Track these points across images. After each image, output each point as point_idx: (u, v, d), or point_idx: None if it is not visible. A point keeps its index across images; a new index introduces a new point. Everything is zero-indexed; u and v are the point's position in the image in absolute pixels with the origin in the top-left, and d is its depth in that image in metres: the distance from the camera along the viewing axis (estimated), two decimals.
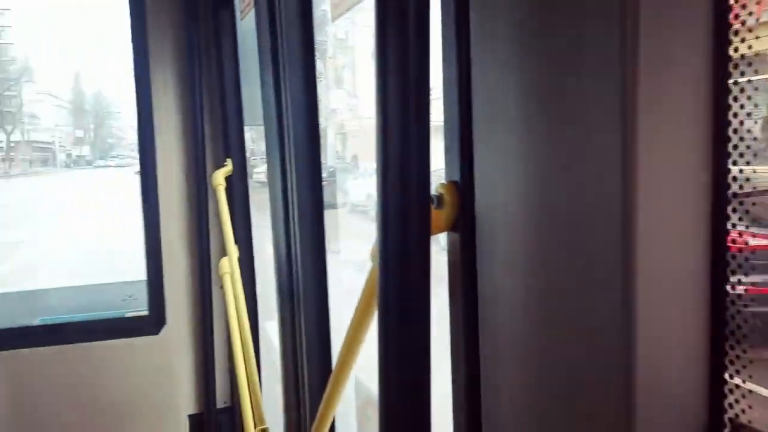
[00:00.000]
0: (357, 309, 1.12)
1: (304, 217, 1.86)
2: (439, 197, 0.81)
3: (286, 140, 1.85)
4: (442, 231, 0.83)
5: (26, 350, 2.75)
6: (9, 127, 47.74)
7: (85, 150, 61.06)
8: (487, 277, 0.78)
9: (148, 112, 2.78)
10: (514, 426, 0.76)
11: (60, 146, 58.26)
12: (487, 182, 0.76)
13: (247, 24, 2.50)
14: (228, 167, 2.81)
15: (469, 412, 0.84)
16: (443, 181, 0.83)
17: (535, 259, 0.69)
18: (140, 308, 2.99)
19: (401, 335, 0.73)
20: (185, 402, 2.97)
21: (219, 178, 2.78)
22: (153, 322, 2.90)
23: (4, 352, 2.71)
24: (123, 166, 53.43)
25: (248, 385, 2.46)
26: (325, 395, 1.36)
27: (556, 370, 0.67)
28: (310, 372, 1.87)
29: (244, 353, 2.46)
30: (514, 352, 0.75)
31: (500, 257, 0.76)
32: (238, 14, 2.63)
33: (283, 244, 1.94)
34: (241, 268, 2.67)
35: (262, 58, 1.95)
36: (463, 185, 0.80)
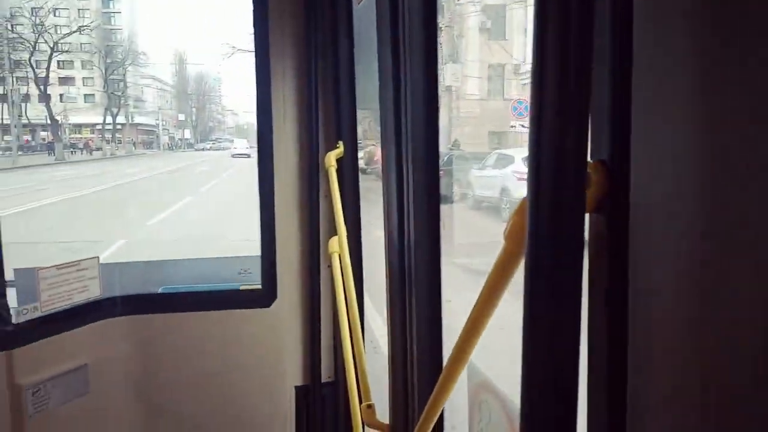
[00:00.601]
0: (483, 291, 1.08)
1: (419, 206, 1.87)
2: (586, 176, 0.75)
3: (403, 125, 1.88)
4: (586, 212, 0.77)
5: (150, 316, 2.97)
6: (114, 110, 50.48)
7: (187, 133, 63.75)
8: (643, 267, 0.74)
9: (266, 96, 2.91)
10: None
11: (163, 129, 61.05)
12: (648, 165, 0.72)
13: (362, 9, 2.59)
14: (339, 149, 2.91)
15: (611, 419, 0.79)
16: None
17: (700, 252, 0.65)
18: (254, 282, 3.14)
19: (549, 324, 0.68)
20: (292, 374, 3.12)
21: (331, 159, 2.88)
22: (265, 295, 3.05)
23: (132, 317, 2.94)
24: (221, 149, 55.37)
25: (354, 361, 2.55)
26: (440, 381, 1.34)
27: (727, 379, 0.63)
28: (420, 358, 1.90)
29: (351, 331, 2.56)
30: (672, 356, 0.70)
31: (659, 247, 0.71)
32: (354, 1, 2.73)
33: (396, 231, 1.98)
34: (348, 248, 2.76)
35: (380, 40, 1.98)
36: (612, 165, 0.77)
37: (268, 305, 3.03)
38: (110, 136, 50.14)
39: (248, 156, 48.56)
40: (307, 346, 3.13)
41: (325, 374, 3.12)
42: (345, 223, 2.78)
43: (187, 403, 3.01)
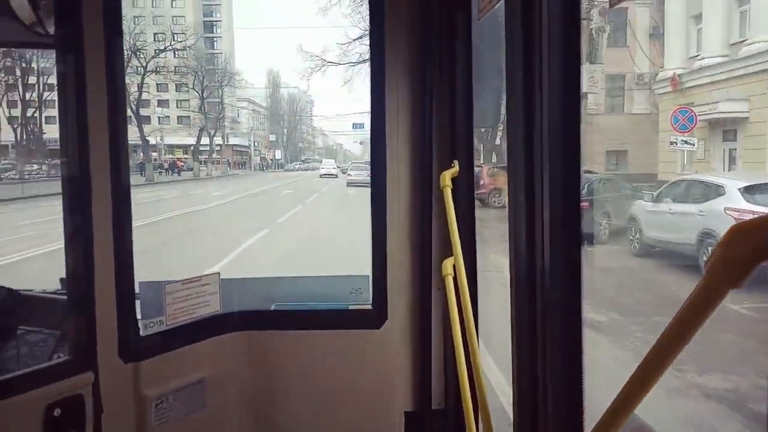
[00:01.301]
0: (666, 334, 0.99)
1: (557, 247, 1.72)
2: None
3: (536, 146, 1.77)
4: None
5: (263, 332, 3.05)
6: (211, 131, 52.62)
7: (278, 154, 65.86)
8: None
9: (380, 114, 2.95)
10: None
11: (255, 150, 63.30)
12: None
13: (483, 23, 2.58)
14: (455, 168, 2.88)
15: None
16: None
17: None
18: (367, 302, 3.16)
19: None
20: (401, 398, 3.09)
21: (446, 179, 2.84)
22: (376, 316, 3.05)
23: (247, 332, 3.02)
24: (310, 169, 56.95)
25: (472, 389, 2.50)
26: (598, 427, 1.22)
27: None
28: (557, 404, 1.77)
29: (470, 357, 2.50)
30: None
31: None
32: (475, 14, 2.71)
33: (524, 277, 1.84)
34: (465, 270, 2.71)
35: (511, 54, 1.90)
36: None
37: (378, 327, 3.03)
38: (205, 156, 52.20)
39: (335, 176, 50.05)
40: (417, 370, 3.09)
41: (435, 401, 3.07)
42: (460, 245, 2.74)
43: (297, 421, 3.05)
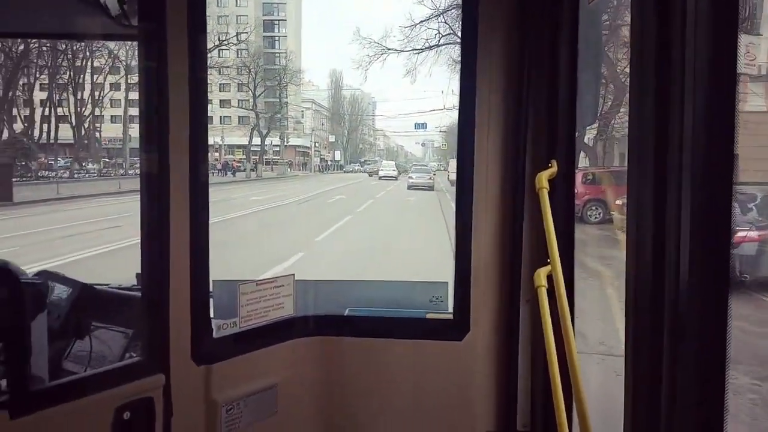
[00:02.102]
0: None
1: (697, 289, 1.43)
2: None
3: (672, 145, 1.48)
4: None
5: (337, 338, 2.95)
6: (264, 131, 53.45)
7: (337, 155, 66.53)
8: None
9: (470, 109, 2.79)
10: None
11: (315, 150, 64.08)
12: None
13: (594, 8, 2.39)
14: (552, 169, 2.66)
15: None
16: None
17: None
18: (445, 311, 3.03)
19: None
20: (483, 417, 2.92)
21: (542, 180, 2.63)
22: (457, 327, 2.89)
23: (320, 338, 2.93)
24: (367, 172, 57.38)
25: (568, 413, 2.30)
26: None
27: None
28: None
29: (570, 378, 2.28)
30: None
31: None
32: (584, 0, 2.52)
33: (648, 324, 1.57)
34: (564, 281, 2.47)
35: (641, 45, 1.60)
36: None
37: (459, 338, 2.87)
38: (256, 158, 52.89)
39: (395, 178, 50.38)
40: (501, 387, 2.90)
41: (521, 422, 2.88)
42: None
43: None
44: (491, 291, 2.87)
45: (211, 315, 2.66)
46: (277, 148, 57.42)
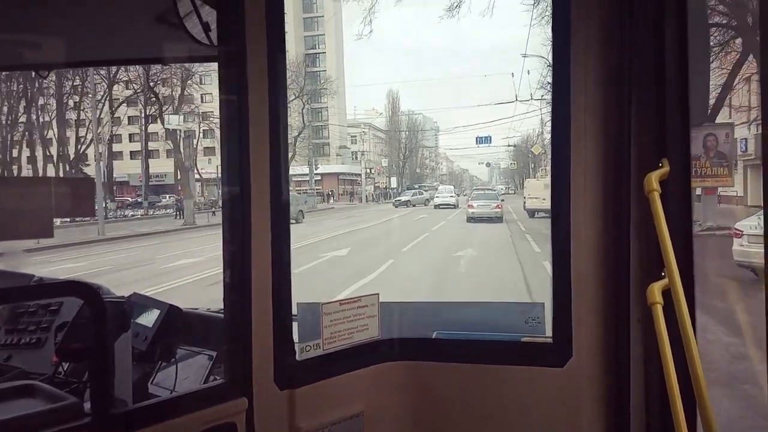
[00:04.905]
0: None
1: None
2: None
3: None
4: None
5: (424, 363, 2.90)
6: (314, 159, 53.50)
7: (393, 181, 65.10)
8: None
9: (564, 106, 2.70)
10: None
11: (367, 177, 63.33)
12: None
13: None
14: (664, 169, 2.49)
15: None
16: None
17: None
18: (542, 334, 2.95)
19: None
20: None
21: (652, 182, 2.45)
22: (557, 352, 2.79)
23: (406, 362, 2.90)
24: (414, 203, 52.23)
25: None
26: None
27: None
28: None
29: (701, 411, 2.11)
30: None
31: None
32: None
33: None
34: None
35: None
36: None
37: (560, 365, 2.76)
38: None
39: (454, 206, 45.75)
40: (609, 419, 2.76)
41: None
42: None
43: None
44: (596, 310, 2.75)
45: (296, 339, 2.67)
46: (306, 177, 56.64)
